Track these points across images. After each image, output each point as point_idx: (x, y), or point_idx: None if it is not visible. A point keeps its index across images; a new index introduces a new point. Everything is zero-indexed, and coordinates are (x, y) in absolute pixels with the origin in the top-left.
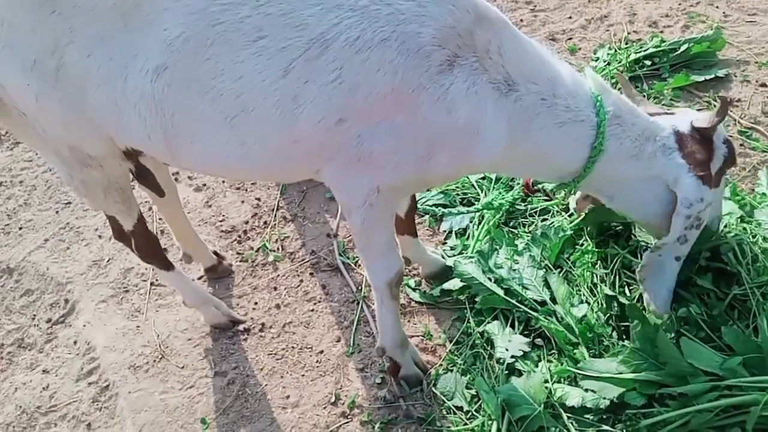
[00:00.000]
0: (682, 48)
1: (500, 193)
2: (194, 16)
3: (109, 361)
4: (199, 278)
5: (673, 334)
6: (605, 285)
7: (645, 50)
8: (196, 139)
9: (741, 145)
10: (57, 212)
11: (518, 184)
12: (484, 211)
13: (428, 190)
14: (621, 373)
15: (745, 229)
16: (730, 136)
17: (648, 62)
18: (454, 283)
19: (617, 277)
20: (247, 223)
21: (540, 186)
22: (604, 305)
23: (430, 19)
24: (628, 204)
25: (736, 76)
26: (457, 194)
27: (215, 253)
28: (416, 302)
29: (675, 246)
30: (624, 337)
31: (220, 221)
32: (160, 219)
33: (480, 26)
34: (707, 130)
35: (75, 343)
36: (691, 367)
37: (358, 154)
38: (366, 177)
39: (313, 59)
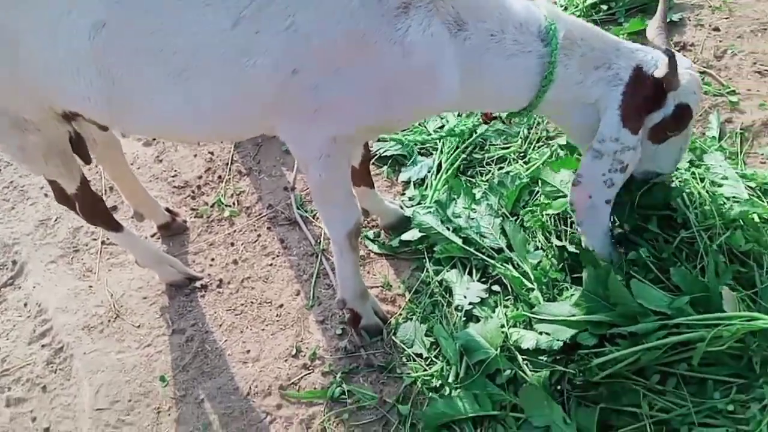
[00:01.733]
0: None
1: (461, 120)
2: None
3: (61, 322)
4: (153, 236)
5: (623, 277)
6: (552, 235)
7: None
8: (141, 99)
9: None
10: None
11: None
12: (447, 138)
13: (383, 140)
14: (573, 316)
15: (694, 173)
16: None
17: (604, 7)
18: (412, 234)
19: (568, 225)
20: (200, 178)
21: (497, 114)
22: (557, 252)
23: None
24: (567, 128)
25: (690, 21)
26: (415, 144)
27: (168, 209)
28: (375, 253)
29: (602, 189)
30: (577, 281)
31: (173, 177)
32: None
33: None
34: (665, 83)
35: (25, 305)
36: (640, 307)
37: (315, 105)
38: (323, 128)
39: (264, 7)
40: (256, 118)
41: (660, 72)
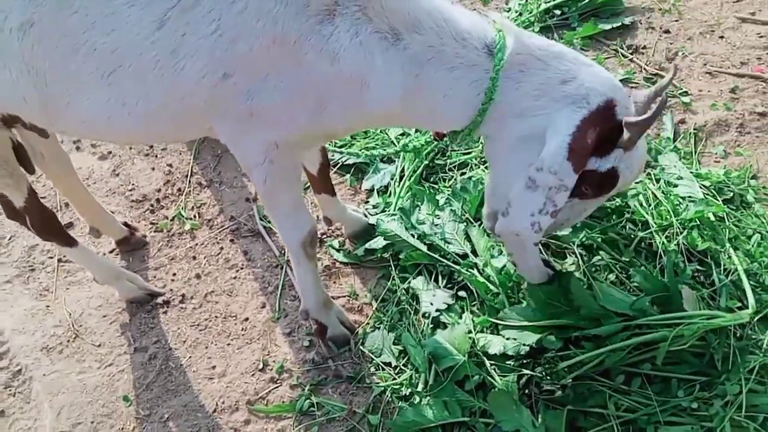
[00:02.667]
0: None
1: (415, 137)
2: None
3: (19, 344)
4: (112, 252)
5: (584, 280)
6: None
7: (555, 0)
8: (74, 100)
9: None
10: None
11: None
12: (404, 154)
13: (336, 144)
14: (539, 320)
15: (649, 174)
16: (635, 83)
17: (558, 12)
18: (377, 242)
19: None
20: (159, 191)
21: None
22: None
23: None
24: (498, 150)
25: (641, 24)
26: (378, 152)
27: (126, 224)
28: (341, 263)
29: (529, 232)
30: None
31: (130, 190)
32: None
33: None
34: (625, 135)
35: None
36: (603, 309)
37: (250, 110)
38: (261, 133)
39: (189, 10)
40: (191, 121)
41: (632, 119)
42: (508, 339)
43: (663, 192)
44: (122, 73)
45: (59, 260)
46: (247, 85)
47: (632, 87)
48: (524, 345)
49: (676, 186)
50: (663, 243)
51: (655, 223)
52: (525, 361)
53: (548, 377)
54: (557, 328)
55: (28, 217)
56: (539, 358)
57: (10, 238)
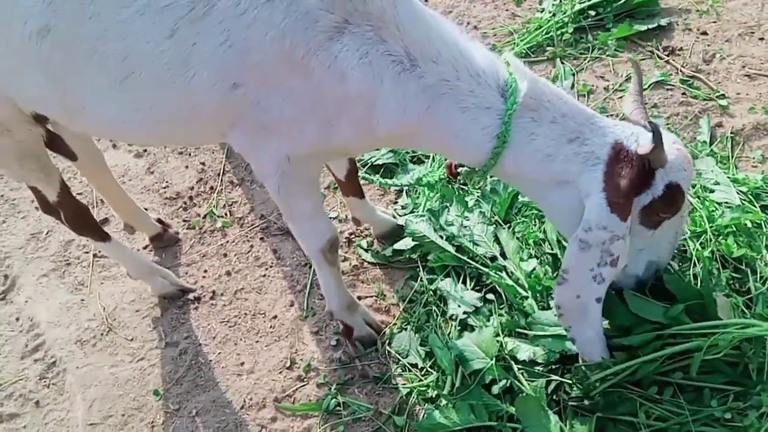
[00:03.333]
0: None
1: (431, 170)
2: None
3: (54, 336)
4: (145, 248)
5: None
6: (545, 243)
7: (589, 0)
8: (90, 103)
9: (683, 94)
10: None
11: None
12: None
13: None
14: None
15: None
16: (671, 85)
17: (592, 12)
18: (405, 242)
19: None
20: (192, 188)
21: (462, 169)
22: (551, 259)
23: None
24: (544, 207)
25: (678, 25)
26: (407, 152)
27: (159, 220)
28: (369, 263)
29: (591, 286)
30: None
31: (164, 188)
32: None
33: None
34: (651, 161)
35: (17, 319)
36: (635, 318)
37: (260, 120)
38: (272, 145)
39: (199, 20)
40: (203, 128)
41: (644, 149)
42: (537, 345)
43: (698, 197)
44: (135, 80)
45: (95, 255)
46: (258, 96)
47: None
48: (554, 352)
49: (712, 191)
50: (697, 249)
51: (688, 229)
52: (554, 367)
53: (578, 385)
54: None
55: (62, 211)
56: (569, 363)
57: (47, 233)
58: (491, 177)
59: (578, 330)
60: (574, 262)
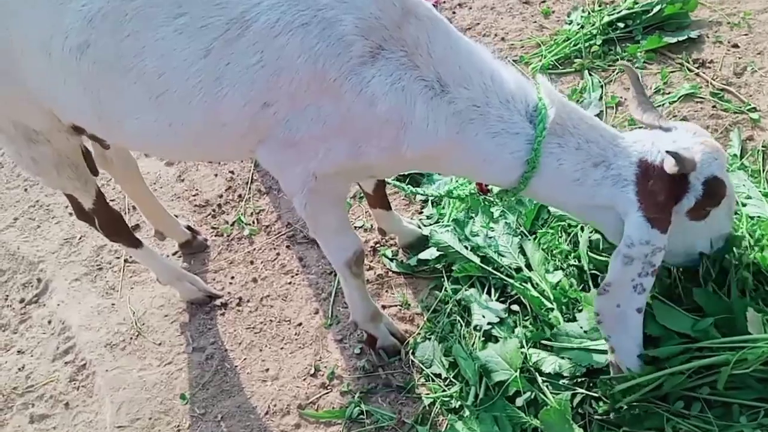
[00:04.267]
0: (655, 10)
1: (462, 184)
2: None
3: (84, 339)
4: (174, 254)
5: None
6: (571, 255)
7: (618, 12)
8: (125, 117)
9: (713, 107)
10: (26, 190)
11: None
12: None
13: None
14: (594, 340)
15: None
16: (701, 98)
17: (621, 25)
18: (430, 252)
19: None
20: (221, 196)
21: (492, 187)
22: (576, 271)
23: (353, 7)
24: (585, 223)
25: (708, 37)
26: None
27: (189, 227)
28: (393, 272)
29: (632, 296)
30: None
31: (194, 195)
32: None
33: (407, 21)
34: (683, 165)
35: (49, 322)
36: (662, 329)
37: (288, 139)
38: (300, 163)
39: (233, 40)
40: (233, 144)
41: (669, 168)
42: (563, 358)
43: None
44: (169, 97)
45: (125, 260)
46: (287, 114)
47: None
48: (580, 366)
49: (744, 205)
50: (730, 263)
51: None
52: (579, 380)
53: (603, 398)
54: None
55: (96, 218)
56: (594, 377)
57: (80, 238)
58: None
59: (618, 339)
60: (617, 276)
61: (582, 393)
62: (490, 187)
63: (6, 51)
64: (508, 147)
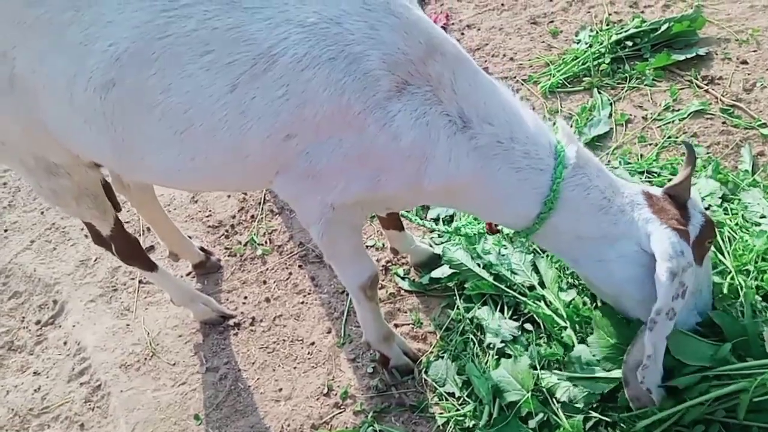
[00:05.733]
0: (663, 28)
1: (469, 222)
2: (139, 30)
3: (100, 360)
4: (188, 274)
5: None
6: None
7: (626, 31)
8: (147, 153)
9: (723, 123)
10: (42, 213)
11: None
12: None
13: None
14: (610, 369)
15: (726, 209)
16: (711, 115)
17: (629, 43)
18: (442, 271)
19: None
20: (234, 217)
21: (501, 227)
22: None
23: (380, 43)
24: (596, 271)
25: (717, 54)
26: None
27: (202, 248)
28: (405, 290)
29: (665, 323)
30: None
31: (207, 216)
32: None
33: (432, 58)
34: (679, 192)
35: (65, 343)
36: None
37: (308, 170)
38: (318, 194)
39: (260, 75)
40: (253, 175)
41: (676, 181)
42: (575, 386)
43: (741, 228)
44: (193, 131)
45: (140, 281)
46: (308, 146)
47: (708, 119)
48: (594, 393)
49: (758, 225)
50: (741, 283)
51: (733, 264)
52: (594, 404)
53: (621, 425)
54: None
55: (113, 244)
56: (609, 402)
57: (95, 260)
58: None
59: (651, 375)
60: (666, 296)
61: (596, 417)
62: (499, 227)
63: (29, 91)
64: (532, 183)
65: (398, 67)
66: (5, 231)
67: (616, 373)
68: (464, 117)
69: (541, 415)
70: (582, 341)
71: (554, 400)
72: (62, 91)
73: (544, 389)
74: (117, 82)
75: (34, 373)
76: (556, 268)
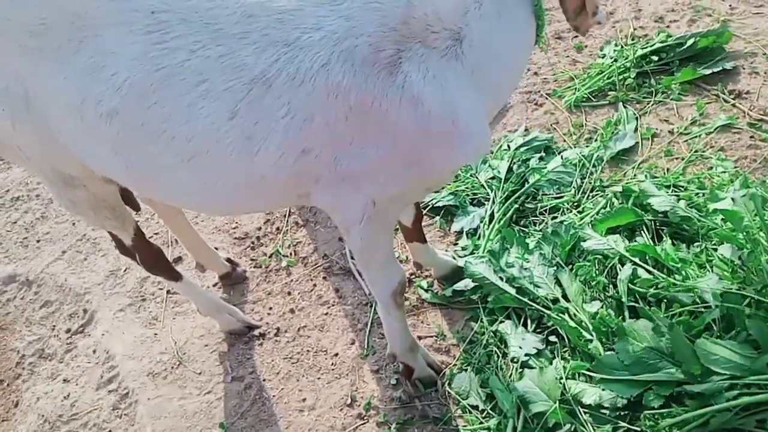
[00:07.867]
0: (689, 42)
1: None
2: (136, 62)
3: (128, 368)
4: (215, 285)
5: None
6: (609, 286)
7: (651, 46)
8: (157, 179)
9: (751, 137)
10: (74, 224)
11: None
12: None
13: (437, 192)
14: (638, 373)
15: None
16: (738, 129)
17: (655, 58)
18: (465, 283)
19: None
20: (259, 229)
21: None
22: (615, 302)
23: (361, 29)
24: None
25: (744, 69)
26: (467, 195)
27: (228, 260)
28: (429, 303)
29: None
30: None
31: (233, 228)
32: None
33: (413, 10)
34: None
35: (94, 352)
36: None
37: (342, 174)
38: (358, 193)
39: (258, 98)
40: (278, 194)
41: None
42: (603, 390)
43: None
44: (201, 158)
45: (168, 291)
46: (332, 154)
47: (735, 132)
48: (622, 398)
49: None
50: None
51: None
52: (622, 413)
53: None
54: (657, 383)
55: (137, 253)
56: (638, 410)
57: (125, 270)
58: None
59: None
60: None
61: (624, 427)
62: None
63: (44, 110)
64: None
65: (385, 41)
66: (38, 241)
67: (646, 377)
68: (455, 36)
69: (568, 425)
70: (609, 350)
71: (581, 410)
72: (73, 113)
73: (571, 398)
74: (120, 111)
75: (64, 380)
76: (580, 281)
